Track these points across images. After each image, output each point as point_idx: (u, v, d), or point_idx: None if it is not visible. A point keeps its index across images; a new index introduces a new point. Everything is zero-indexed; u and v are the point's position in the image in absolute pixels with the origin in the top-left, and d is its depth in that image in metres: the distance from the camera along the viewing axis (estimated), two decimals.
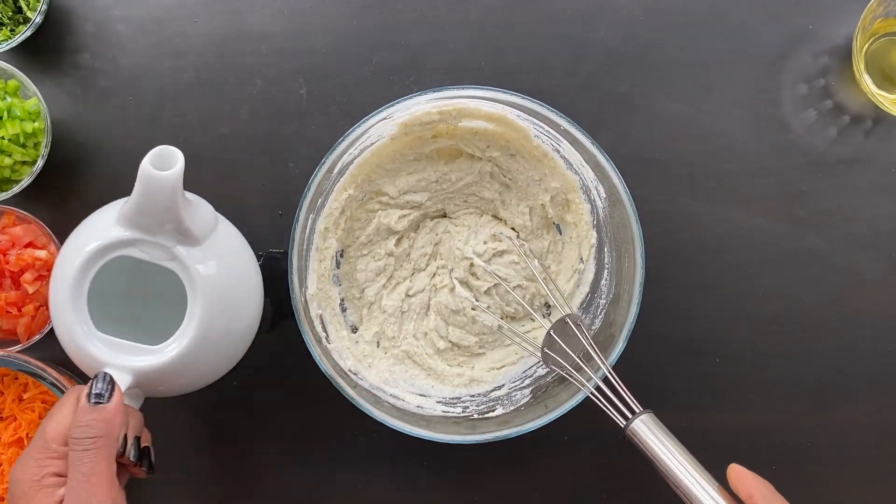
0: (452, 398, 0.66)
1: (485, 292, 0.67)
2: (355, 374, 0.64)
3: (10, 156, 0.64)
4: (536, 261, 0.66)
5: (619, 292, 0.63)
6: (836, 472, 0.69)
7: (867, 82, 0.65)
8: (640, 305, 0.60)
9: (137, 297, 0.61)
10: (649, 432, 0.50)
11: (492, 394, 0.66)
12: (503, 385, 0.66)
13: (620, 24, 0.68)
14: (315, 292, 0.62)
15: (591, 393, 0.55)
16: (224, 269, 0.53)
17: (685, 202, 0.68)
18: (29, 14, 0.66)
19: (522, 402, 0.64)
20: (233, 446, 0.69)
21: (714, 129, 0.68)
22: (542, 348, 0.58)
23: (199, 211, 0.53)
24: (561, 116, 0.60)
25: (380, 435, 0.68)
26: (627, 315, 0.60)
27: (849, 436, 0.69)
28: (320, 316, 0.63)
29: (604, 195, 0.63)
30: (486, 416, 0.64)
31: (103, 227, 0.52)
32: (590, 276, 0.66)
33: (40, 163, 0.64)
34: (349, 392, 0.61)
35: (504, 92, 0.60)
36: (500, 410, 0.64)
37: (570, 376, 0.57)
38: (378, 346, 0.67)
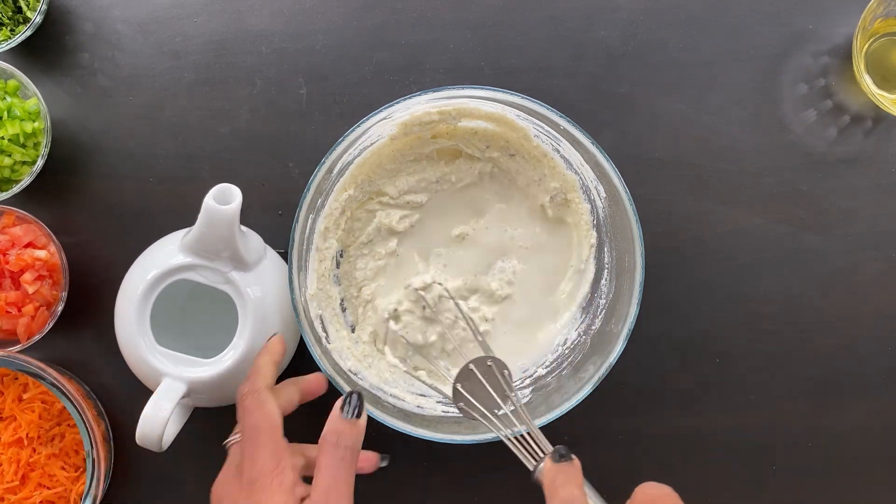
0: None
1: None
2: (355, 374, 0.64)
3: (10, 156, 0.64)
4: (462, 303, 0.66)
5: (619, 292, 0.63)
6: (836, 472, 0.69)
7: (867, 82, 0.65)
8: (640, 305, 0.60)
9: (193, 316, 0.66)
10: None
11: None
12: None
13: (620, 24, 0.68)
14: (315, 292, 0.62)
15: (505, 437, 0.53)
16: (270, 291, 0.60)
17: (685, 202, 0.68)
18: (29, 14, 0.66)
19: (522, 402, 0.64)
20: None
21: (714, 129, 0.68)
22: (455, 384, 0.56)
23: (251, 242, 0.59)
24: (561, 116, 0.60)
25: (380, 435, 0.68)
26: (627, 315, 0.60)
27: (849, 436, 0.69)
28: (320, 316, 0.63)
29: (604, 195, 0.63)
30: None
31: (167, 253, 0.59)
32: (590, 276, 0.66)
33: (40, 163, 0.64)
34: None
35: (504, 92, 0.60)
36: (500, 410, 0.64)
37: (482, 419, 0.55)
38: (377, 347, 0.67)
